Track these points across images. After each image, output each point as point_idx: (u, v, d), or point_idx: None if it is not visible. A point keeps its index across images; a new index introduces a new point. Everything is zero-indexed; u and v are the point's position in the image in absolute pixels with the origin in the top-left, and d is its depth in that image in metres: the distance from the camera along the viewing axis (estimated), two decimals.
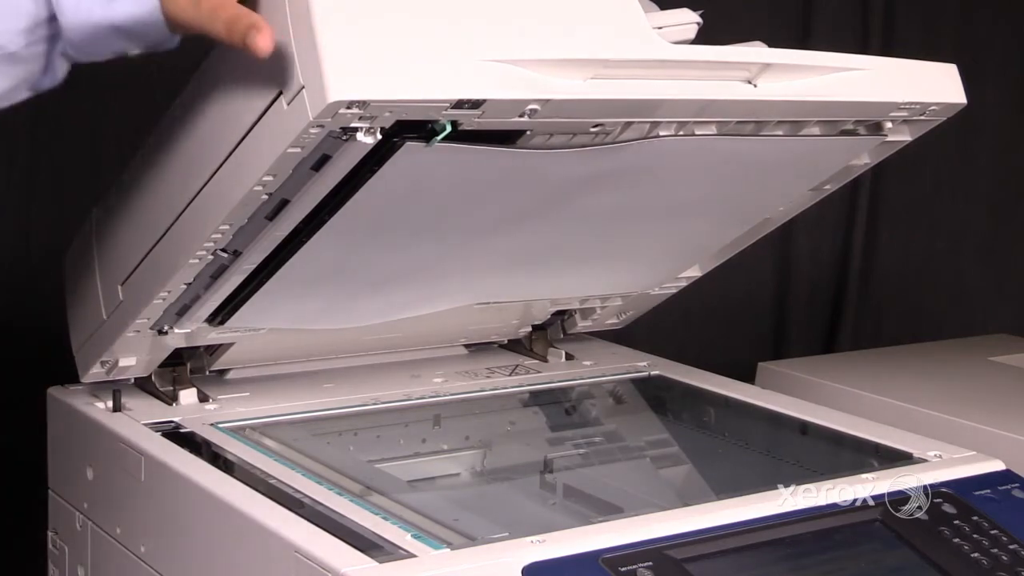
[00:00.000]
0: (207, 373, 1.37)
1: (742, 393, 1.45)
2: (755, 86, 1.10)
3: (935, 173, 2.26)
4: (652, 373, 1.53)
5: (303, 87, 0.94)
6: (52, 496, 1.37)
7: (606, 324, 1.59)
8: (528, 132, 1.05)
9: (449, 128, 0.98)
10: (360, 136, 0.96)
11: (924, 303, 2.29)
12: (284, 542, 0.99)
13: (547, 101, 1.00)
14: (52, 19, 0.99)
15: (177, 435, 1.24)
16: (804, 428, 1.36)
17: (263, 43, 0.94)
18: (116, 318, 1.24)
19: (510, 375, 1.49)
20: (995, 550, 1.10)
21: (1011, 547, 1.11)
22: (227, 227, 1.09)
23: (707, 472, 1.37)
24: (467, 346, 1.54)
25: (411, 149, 0.99)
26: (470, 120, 0.99)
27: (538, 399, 1.48)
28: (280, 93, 0.96)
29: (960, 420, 1.51)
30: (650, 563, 0.99)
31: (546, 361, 1.54)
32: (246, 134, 1.02)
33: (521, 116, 1.01)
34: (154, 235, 1.16)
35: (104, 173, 1.46)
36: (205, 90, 1.07)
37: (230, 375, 1.39)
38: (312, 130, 0.95)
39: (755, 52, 1.12)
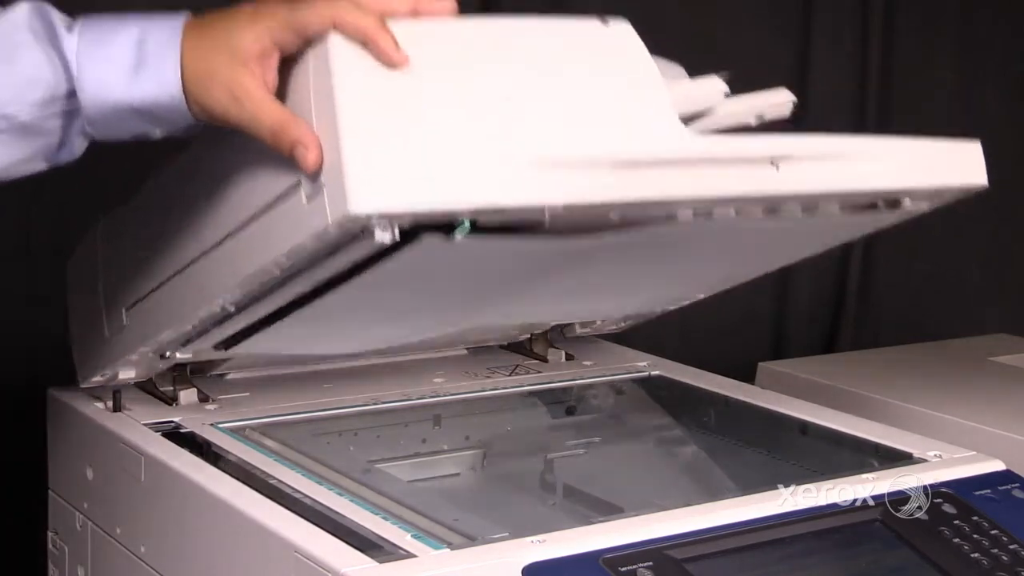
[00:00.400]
0: (207, 374, 1.37)
1: (742, 393, 1.45)
2: (777, 168, 1.09)
3: None
4: (652, 373, 1.53)
5: (324, 187, 0.92)
6: (52, 496, 1.37)
7: (605, 331, 1.59)
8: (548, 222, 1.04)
9: (469, 226, 0.97)
10: (378, 234, 0.93)
11: (924, 303, 2.29)
12: (284, 542, 0.99)
13: (571, 204, 0.99)
14: (71, 95, 0.97)
15: (177, 435, 1.24)
16: (804, 428, 1.36)
17: (311, 161, 0.92)
18: (119, 340, 1.24)
19: (510, 375, 1.49)
20: (995, 550, 1.10)
21: (1011, 547, 1.11)
22: (236, 290, 1.08)
23: (707, 472, 1.37)
24: (467, 346, 1.54)
25: (428, 241, 0.98)
26: (491, 217, 0.97)
27: (538, 399, 1.48)
28: (300, 181, 0.95)
29: (960, 420, 1.51)
30: (650, 563, 0.99)
31: (546, 361, 1.54)
32: (262, 210, 1.01)
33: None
34: (162, 275, 1.16)
35: (105, 172, 1.46)
36: (225, 143, 1.05)
37: (230, 375, 1.40)
38: (330, 229, 0.94)
39: (781, 142, 1.10)
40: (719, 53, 2.08)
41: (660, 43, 2.17)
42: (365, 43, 0.94)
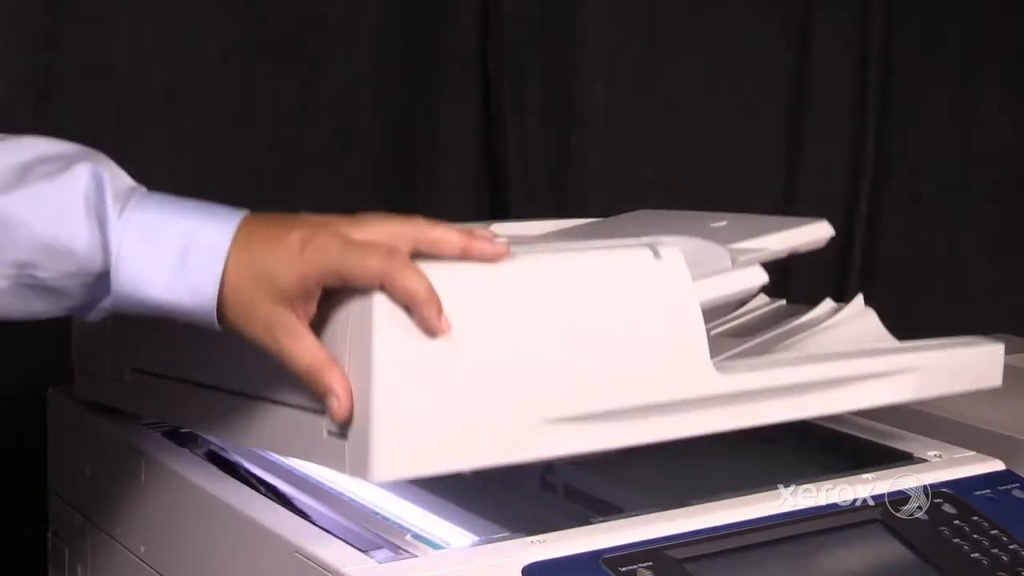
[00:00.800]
0: None
1: None
2: (800, 396, 1.10)
3: (936, 173, 2.26)
4: None
5: (347, 444, 0.92)
6: (52, 496, 1.37)
7: None
8: None
9: None
10: None
11: (925, 302, 2.29)
12: (284, 542, 0.99)
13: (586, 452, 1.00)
14: (104, 276, 0.94)
15: (177, 435, 1.24)
16: (804, 428, 1.36)
17: (341, 414, 0.91)
18: (119, 389, 1.23)
19: None
20: (995, 550, 1.10)
21: (1011, 547, 1.11)
22: (246, 442, 1.09)
23: (707, 472, 1.37)
24: None
25: None
26: None
27: None
28: (324, 411, 0.94)
29: (960, 420, 1.51)
30: (650, 563, 0.99)
31: None
32: (284, 403, 1.00)
33: None
34: (170, 369, 1.15)
35: None
36: None
37: None
38: (345, 472, 0.94)
39: (804, 371, 1.11)
40: (717, 52, 2.08)
41: (658, 35, 2.17)
42: (410, 308, 0.91)
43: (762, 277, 1.15)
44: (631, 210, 1.56)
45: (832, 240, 2.22)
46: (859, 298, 1.29)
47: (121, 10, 1.65)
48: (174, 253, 0.93)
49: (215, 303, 0.93)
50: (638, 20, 2.02)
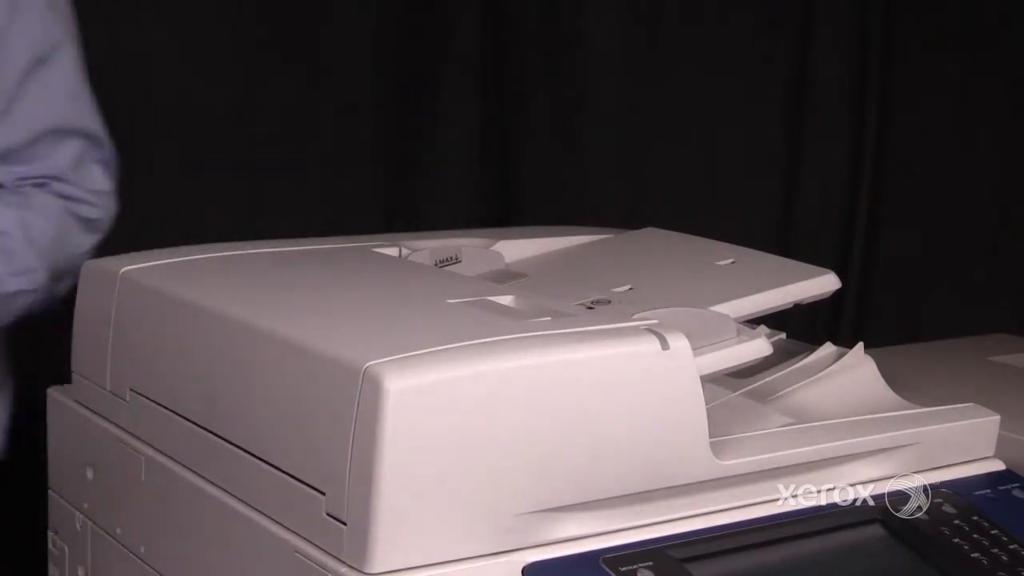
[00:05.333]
0: None
1: None
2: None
3: (936, 172, 2.26)
4: None
5: (344, 532, 0.93)
6: (52, 496, 1.37)
7: None
8: None
9: None
10: None
11: (924, 302, 2.29)
12: (284, 542, 0.99)
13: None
14: None
15: None
16: None
17: None
18: (118, 406, 1.23)
19: None
20: (995, 550, 1.10)
21: (1011, 547, 1.11)
22: None
23: None
24: None
25: None
26: None
27: None
28: (322, 495, 0.95)
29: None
30: (650, 563, 0.99)
31: None
32: (279, 467, 1.00)
33: None
34: (174, 404, 1.14)
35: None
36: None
37: None
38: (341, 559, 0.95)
39: (806, 452, 1.12)
40: (719, 53, 2.09)
41: (659, 35, 2.17)
42: None
43: (766, 350, 1.15)
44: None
45: (832, 240, 2.24)
46: (859, 347, 1.30)
47: (124, 12, 1.65)
48: None
49: None
50: (639, 20, 2.03)
